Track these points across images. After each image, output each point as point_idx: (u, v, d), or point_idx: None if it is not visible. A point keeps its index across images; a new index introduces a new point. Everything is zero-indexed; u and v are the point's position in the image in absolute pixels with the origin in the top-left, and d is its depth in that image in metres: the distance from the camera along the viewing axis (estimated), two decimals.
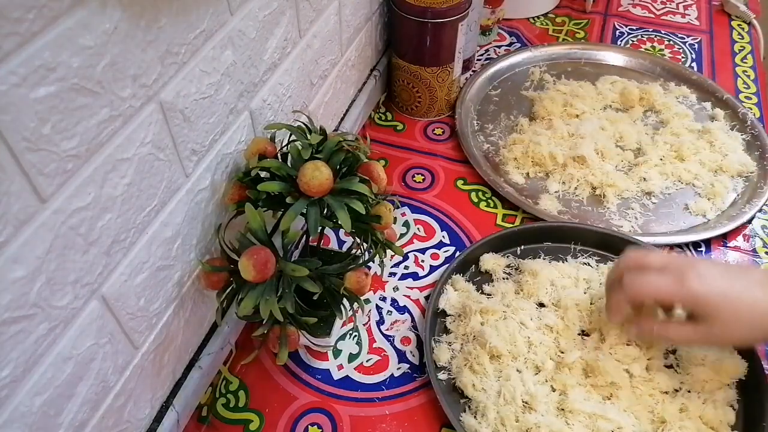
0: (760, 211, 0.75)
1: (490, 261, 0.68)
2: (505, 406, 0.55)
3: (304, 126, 0.53)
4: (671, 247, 0.72)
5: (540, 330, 0.61)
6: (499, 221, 0.75)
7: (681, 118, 0.86)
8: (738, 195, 0.77)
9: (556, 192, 0.78)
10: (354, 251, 0.56)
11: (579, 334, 0.61)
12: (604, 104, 0.89)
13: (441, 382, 0.59)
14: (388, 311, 0.66)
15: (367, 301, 0.67)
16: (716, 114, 0.87)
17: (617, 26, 1.08)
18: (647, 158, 0.80)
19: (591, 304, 0.61)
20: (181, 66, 0.44)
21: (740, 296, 0.48)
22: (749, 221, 0.74)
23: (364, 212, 0.48)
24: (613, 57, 0.99)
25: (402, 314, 0.66)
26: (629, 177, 0.79)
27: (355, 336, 0.64)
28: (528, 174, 0.81)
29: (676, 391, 0.57)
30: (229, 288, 0.51)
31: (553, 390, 0.57)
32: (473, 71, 0.95)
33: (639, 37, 1.05)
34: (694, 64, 0.99)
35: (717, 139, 0.83)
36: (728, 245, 0.72)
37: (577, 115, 0.86)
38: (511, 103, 0.92)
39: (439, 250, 0.72)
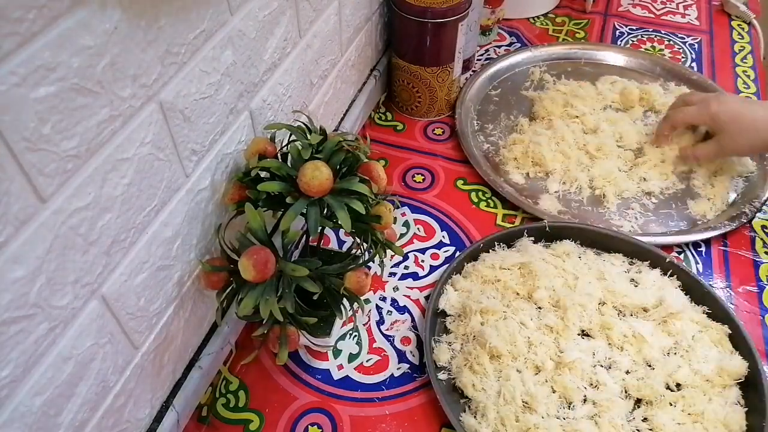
0: (759, 211, 0.75)
1: (490, 261, 0.68)
2: (505, 406, 0.55)
3: (304, 126, 0.53)
4: (671, 247, 0.72)
5: (540, 330, 0.61)
6: (499, 221, 0.75)
7: None
8: (738, 195, 0.77)
9: (556, 192, 0.78)
10: (354, 251, 0.56)
11: (579, 334, 0.61)
12: (604, 104, 0.89)
13: (441, 382, 0.59)
14: (388, 311, 0.66)
15: (367, 301, 0.67)
16: None
17: (617, 26, 1.08)
18: (647, 158, 0.80)
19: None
20: (181, 66, 0.44)
21: (745, 112, 0.69)
22: (749, 221, 0.74)
23: (364, 212, 0.48)
24: (613, 57, 0.99)
25: (402, 314, 0.66)
26: (629, 177, 0.79)
27: (355, 336, 0.64)
28: (528, 174, 0.81)
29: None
30: (229, 288, 0.51)
31: (554, 391, 0.57)
32: (473, 71, 0.95)
33: (639, 37, 1.05)
34: (694, 64, 0.99)
35: None
36: (728, 245, 0.72)
37: (577, 116, 0.86)
38: (511, 103, 0.92)
39: (439, 250, 0.72)
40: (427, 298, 0.67)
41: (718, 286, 0.68)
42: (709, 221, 0.74)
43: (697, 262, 0.71)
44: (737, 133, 0.69)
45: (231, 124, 0.53)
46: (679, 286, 0.65)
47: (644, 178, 0.79)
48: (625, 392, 0.57)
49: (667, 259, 0.67)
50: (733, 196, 0.77)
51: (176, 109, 0.45)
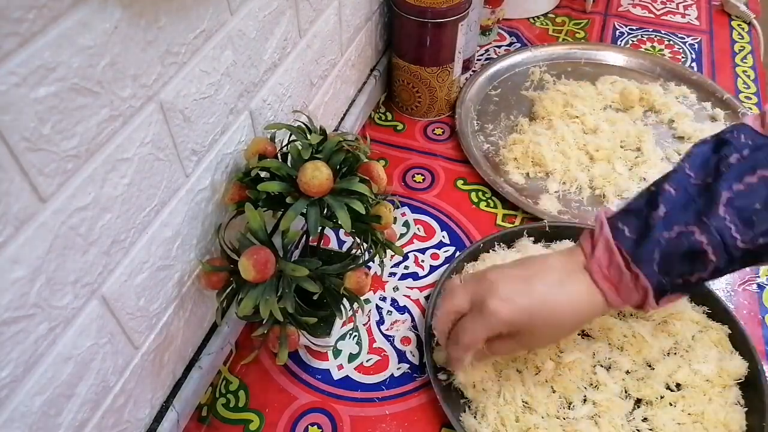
0: None
1: (490, 261, 0.68)
2: (505, 406, 0.55)
3: (304, 126, 0.53)
4: None
5: None
6: (499, 221, 0.75)
7: (681, 118, 0.86)
8: None
9: (556, 192, 0.78)
10: (354, 251, 0.56)
11: (579, 335, 0.61)
12: (604, 104, 0.89)
13: (441, 382, 0.59)
14: (388, 311, 0.66)
15: (367, 301, 0.67)
16: (716, 114, 0.88)
17: (617, 26, 1.08)
18: (647, 158, 0.80)
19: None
20: (181, 66, 0.44)
21: (543, 306, 0.50)
22: None
23: (364, 212, 0.48)
24: (613, 57, 0.99)
25: (402, 314, 0.66)
26: (629, 177, 0.79)
27: (355, 336, 0.64)
28: (528, 174, 0.81)
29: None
30: (229, 288, 0.51)
31: (554, 391, 0.57)
32: (473, 71, 0.95)
33: (639, 37, 1.05)
34: (694, 64, 0.99)
35: None
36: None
37: (577, 116, 0.86)
38: (511, 103, 0.92)
39: (439, 250, 0.72)
40: (427, 298, 0.67)
41: (718, 286, 0.68)
42: None
43: None
44: (543, 329, 0.50)
45: (231, 124, 0.53)
46: None
47: (644, 178, 0.79)
48: (625, 392, 0.57)
49: None
50: None
51: (176, 109, 0.45)
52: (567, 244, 0.69)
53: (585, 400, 0.57)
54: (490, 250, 0.69)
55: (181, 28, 0.43)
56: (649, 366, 0.59)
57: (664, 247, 0.47)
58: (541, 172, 0.81)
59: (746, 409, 0.56)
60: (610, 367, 0.59)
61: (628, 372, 0.58)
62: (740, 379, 0.57)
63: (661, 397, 0.56)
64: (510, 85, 0.95)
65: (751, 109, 0.89)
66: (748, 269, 0.70)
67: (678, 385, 0.58)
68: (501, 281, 0.51)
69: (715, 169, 0.47)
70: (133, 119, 0.40)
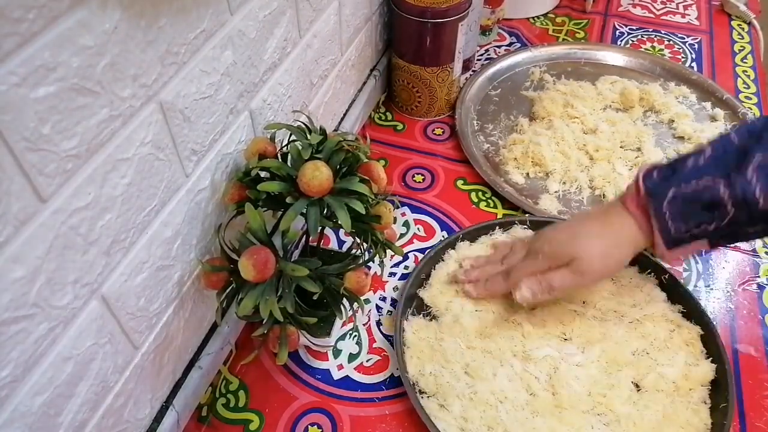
0: None
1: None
2: (472, 401, 0.56)
3: (304, 126, 0.53)
4: None
5: (509, 321, 0.62)
6: None
7: (681, 118, 0.86)
8: None
9: (556, 192, 0.78)
10: (354, 251, 0.56)
11: (556, 335, 0.61)
12: (604, 104, 0.89)
13: (416, 390, 0.59)
14: (388, 311, 0.66)
15: (367, 301, 0.67)
16: (716, 114, 0.88)
17: (617, 26, 1.08)
18: (647, 158, 0.80)
19: None
20: (181, 66, 0.44)
21: (584, 227, 0.58)
22: None
23: (364, 212, 0.48)
24: (613, 57, 0.99)
25: None
26: (629, 177, 0.79)
27: (355, 336, 0.64)
28: (528, 174, 0.81)
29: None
30: (229, 288, 0.51)
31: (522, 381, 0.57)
32: (473, 71, 0.95)
33: (639, 37, 1.05)
34: (694, 64, 0.99)
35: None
36: (728, 245, 0.72)
37: (577, 116, 0.86)
38: (511, 103, 0.92)
39: None
40: None
41: (717, 285, 0.68)
42: None
43: (696, 262, 0.71)
44: (588, 258, 0.56)
45: (231, 124, 0.53)
46: (657, 284, 0.65)
47: None
48: (590, 391, 0.57)
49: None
50: None
51: (176, 109, 0.45)
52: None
53: (554, 395, 0.56)
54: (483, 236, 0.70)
55: (181, 28, 0.43)
56: (617, 366, 0.58)
57: (686, 192, 0.51)
58: (541, 172, 0.81)
59: (710, 405, 0.56)
60: (577, 364, 0.58)
61: (594, 367, 0.58)
62: (706, 385, 0.57)
63: (628, 394, 0.56)
64: (510, 85, 0.95)
65: (751, 109, 0.89)
66: (747, 269, 0.70)
67: (641, 386, 0.57)
68: (549, 230, 0.61)
69: (758, 137, 0.49)
70: (133, 119, 0.40)
